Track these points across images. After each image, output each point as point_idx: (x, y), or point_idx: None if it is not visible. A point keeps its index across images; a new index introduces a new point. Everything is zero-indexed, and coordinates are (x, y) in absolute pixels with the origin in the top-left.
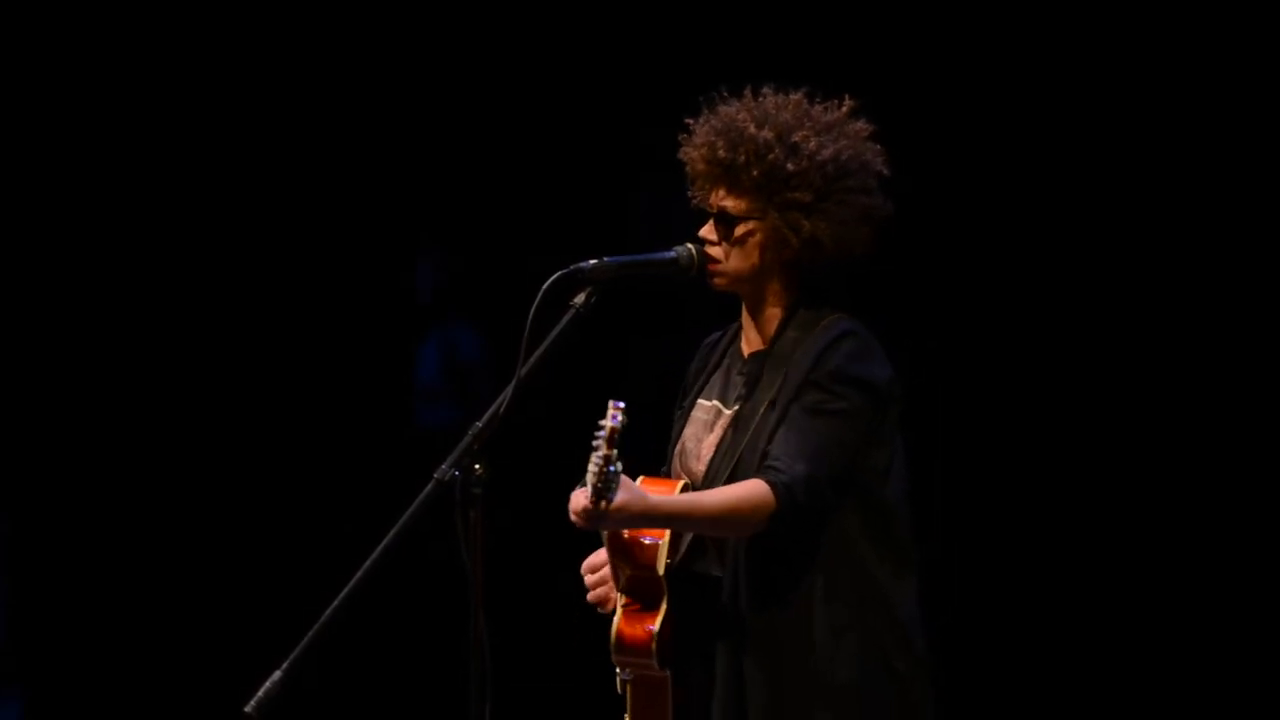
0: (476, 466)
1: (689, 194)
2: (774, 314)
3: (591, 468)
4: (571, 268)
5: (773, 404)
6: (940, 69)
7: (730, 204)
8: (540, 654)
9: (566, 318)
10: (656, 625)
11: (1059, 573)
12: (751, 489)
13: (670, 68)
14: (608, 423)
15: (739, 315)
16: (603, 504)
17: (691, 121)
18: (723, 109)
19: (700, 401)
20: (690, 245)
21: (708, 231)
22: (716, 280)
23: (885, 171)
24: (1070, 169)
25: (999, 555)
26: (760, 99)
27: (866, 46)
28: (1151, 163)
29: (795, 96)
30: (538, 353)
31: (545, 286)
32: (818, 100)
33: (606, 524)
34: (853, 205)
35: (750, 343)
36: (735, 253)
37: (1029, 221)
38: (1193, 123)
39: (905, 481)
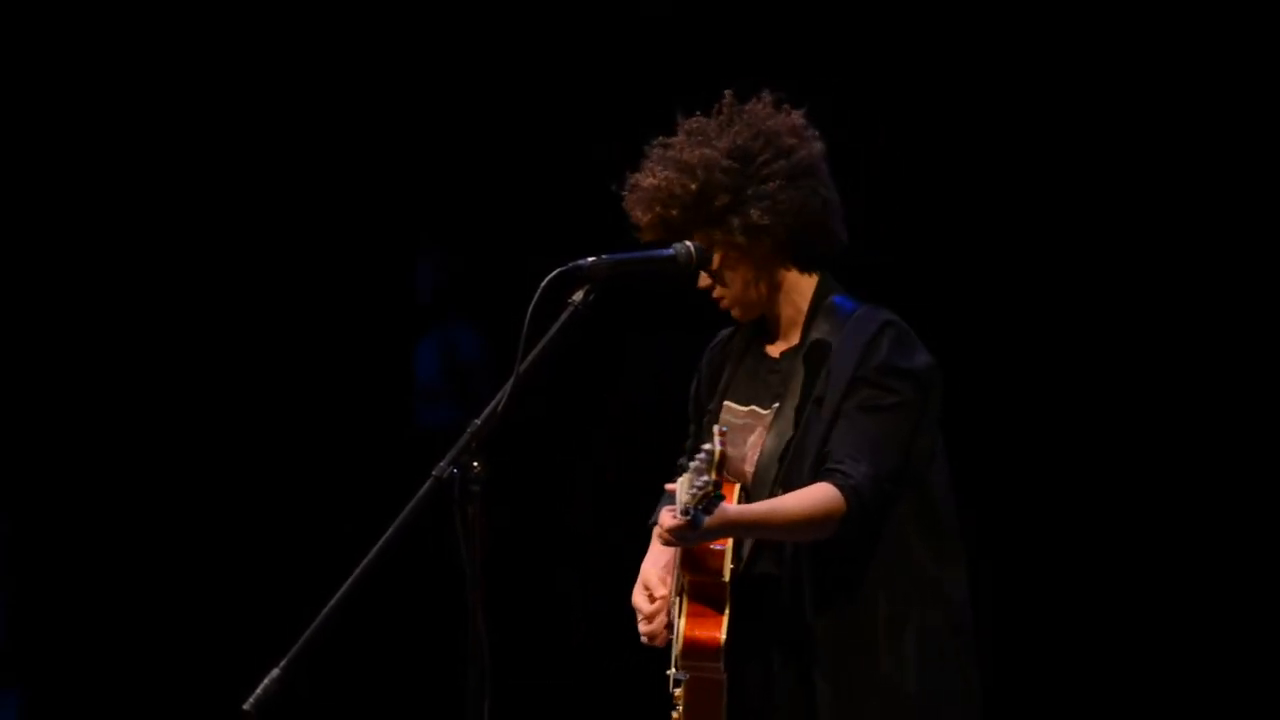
0: (475, 464)
1: None
2: (794, 312)
3: (691, 489)
4: (569, 265)
5: (819, 401)
6: (942, 67)
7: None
8: (539, 651)
9: (565, 315)
10: (724, 631)
11: (1062, 572)
12: (823, 495)
13: (670, 68)
14: (715, 448)
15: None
16: (696, 525)
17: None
18: (635, 177)
19: (730, 404)
20: (688, 243)
21: (702, 282)
22: (736, 315)
23: (796, 122)
24: (1070, 168)
25: (1003, 555)
26: (653, 148)
27: (867, 44)
28: (1151, 162)
29: (691, 121)
30: (536, 350)
31: (543, 284)
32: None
33: (694, 541)
34: (772, 175)
35: (776, 343)
36: (726, 287)
37: (1028, 221)
38: (1193, 122)
39: (947, 471)
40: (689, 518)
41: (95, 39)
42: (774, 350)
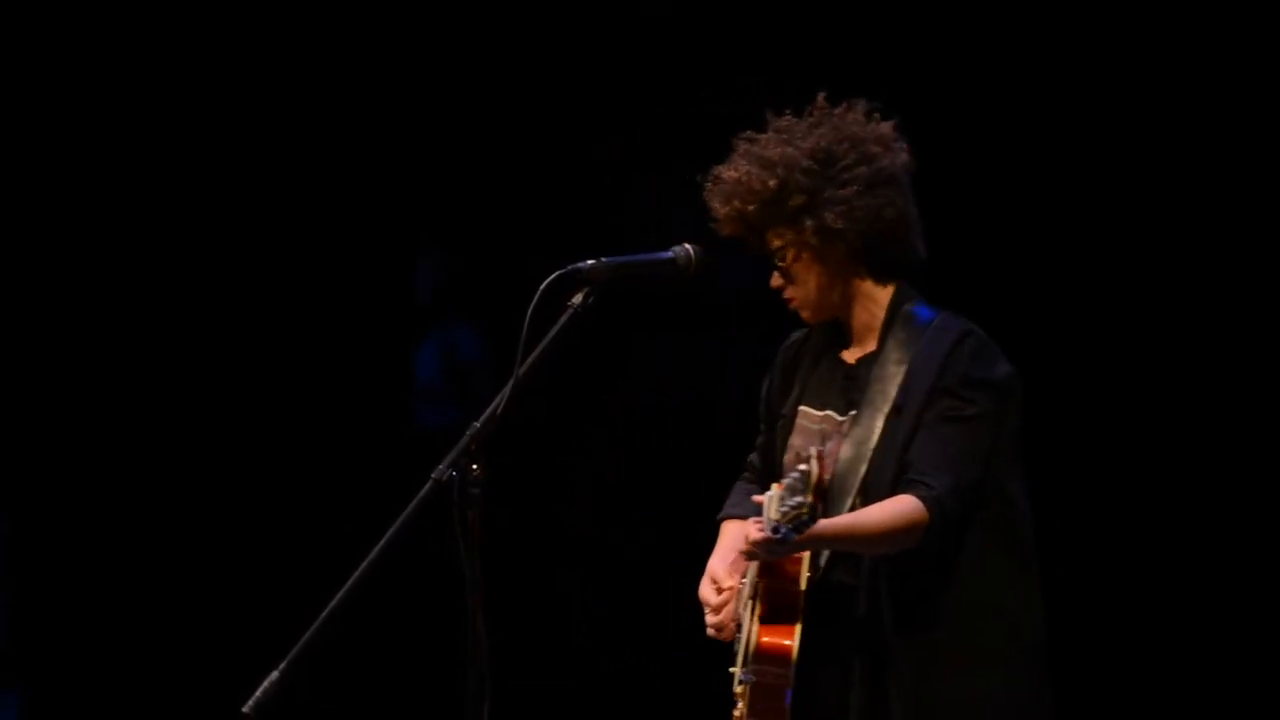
0: (474, 466)
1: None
2: (870, 319)
3: (783, 508)
4: (569, 268)
5: (898, 410)
6: (946, 65)
7: (758, 243)
8: (538, 652)
9: (564, 318)
10: (796, 639)
11: (1081, 575)
12: (906, 507)
13: (670, 68)
14: (812, 470)
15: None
16: (785, 542)
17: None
18: (718, 169)
19: (806, 409)
20: (688, 245)
21: (774, 281)
22: (805, 317)
23: (885, 132)
24: (1086, 170)
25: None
26: (740, 141)
27: (868, 43)
28: (1159, 162)
29: (779, 119)
30: (535, 353)
31: (543, 287)
32: (801, 112)
33: (778, 556)
34: (852, 180)
35: (852, 349)
36: (795, 286)
37: (1037, 224)
38: (1209, 123)
39: (1023, 477)
40: (778, 536)
41: (95, 39)
42: (850, 356)
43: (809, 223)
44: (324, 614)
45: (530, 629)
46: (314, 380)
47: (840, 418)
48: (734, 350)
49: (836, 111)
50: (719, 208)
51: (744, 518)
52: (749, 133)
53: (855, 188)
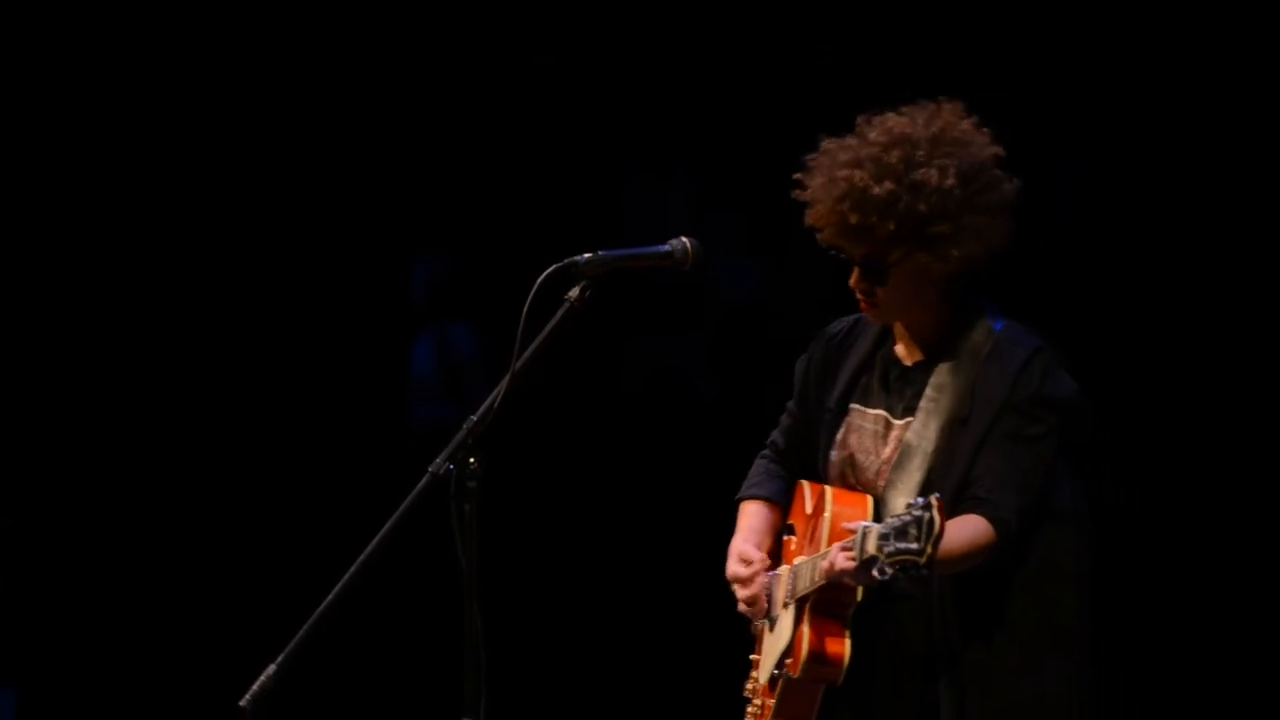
0: (471, 460)
1: (828, 250)
2: (934, 323)
3: (889, 548)
4: (565, 262)
5: (963, 421)
6: (948, 64)
7: (873, 254)
8: (535, 647)
9: (561, 312)
10: (848, 646)
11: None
12: (977, 530)
13: (667, 67)
14: (937, 521)
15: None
16: (878, 578)
17: (802, 177)
18: (836, 171)
19: (858, 407)
20: (685, 239)
21: (855, 281)
22: (873, 318)
23: (1000, 153)
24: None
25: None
26: (862, 138)
27: (866, 41)
28: (1167, 163)
29: (893, 122)
30: (532, 347)
31: (539, 281)
32: (907, 107)
33: (867, 585)
34: (987, 206)
35: (911, 351)
36: (887, 293)
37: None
38: (1230, 125)
39: (1082, 485)
40: (881, 577)
41: (95, 39)
42: (907, 358)
43: (955, 252)
44: (320, 608)
45: (526, 624)
46: (311, 378)
47: (895, 420)
48: (733, 350)
49: (959, 127)
50: (849, 215)
51: (765, 499)
52: (860, 137)
53: (989, 216)
